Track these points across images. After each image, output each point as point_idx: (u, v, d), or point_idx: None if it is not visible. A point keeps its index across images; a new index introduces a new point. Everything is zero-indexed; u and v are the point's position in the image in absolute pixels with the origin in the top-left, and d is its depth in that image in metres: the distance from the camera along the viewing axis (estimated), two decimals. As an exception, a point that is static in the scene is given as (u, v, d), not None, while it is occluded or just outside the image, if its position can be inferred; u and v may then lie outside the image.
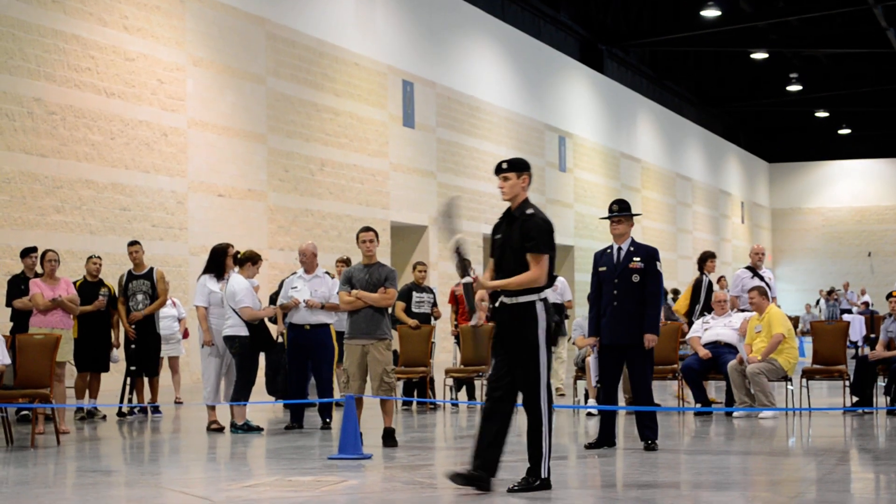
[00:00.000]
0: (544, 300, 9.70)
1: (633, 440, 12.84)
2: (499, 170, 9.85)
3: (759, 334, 16.13)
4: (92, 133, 21.26)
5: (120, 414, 17.11)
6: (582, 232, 41.78)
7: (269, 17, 26.03)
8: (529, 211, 9.76)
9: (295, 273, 15.58)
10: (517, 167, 9.83)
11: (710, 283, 18.39)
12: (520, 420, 9.84)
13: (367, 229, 13.43)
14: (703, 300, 18.09)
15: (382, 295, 13.12)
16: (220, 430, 14.89)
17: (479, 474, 9.50)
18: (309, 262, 15.33)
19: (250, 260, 15.22)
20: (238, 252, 15.48)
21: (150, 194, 22.56)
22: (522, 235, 9.67)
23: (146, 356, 17.15)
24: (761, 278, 18.25)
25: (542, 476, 9.61)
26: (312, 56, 27.44)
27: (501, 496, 9.44)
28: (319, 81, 27.64)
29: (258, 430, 14.79)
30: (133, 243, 17.53)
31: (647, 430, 12.52)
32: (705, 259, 18.67)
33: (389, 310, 13.66)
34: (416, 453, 12.55)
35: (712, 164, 58.83)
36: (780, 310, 16.64)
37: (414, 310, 18.00)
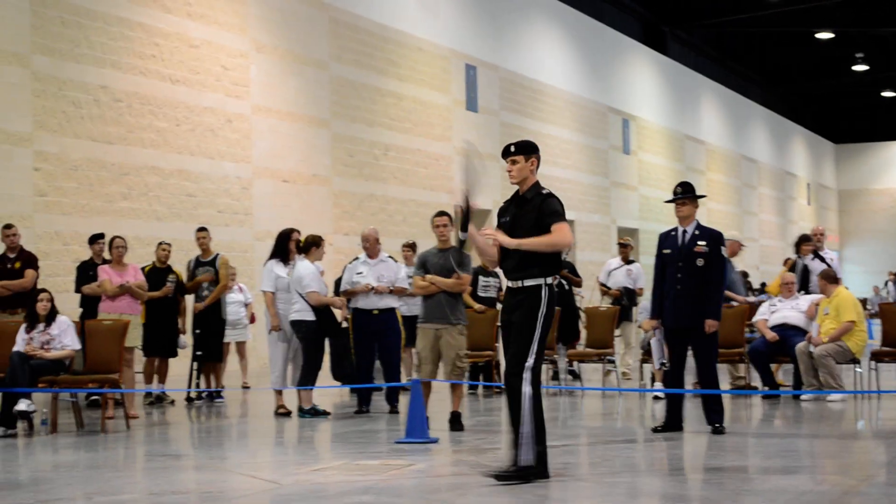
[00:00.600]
0: (550, 286, 9.45)
1: (700, 423, 12.77)
2: (506, 153, 9.59)
3: (828, 316, 16.00)
4: (157, 120, 21.41)
5: (188, 399, 17.23)
6: (646, 215, 41.61)
7: (331, 2, 26.09)
8: (545, 191, 9.54)
9: (357, 258, 15.60)
10: (525, 150, 9.58)
11: (805, 266, 18.09)
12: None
13: (441, 214, 13.40)
14: (798, 282, 17.83)
15: (456, 280, 13.09)
16: (288, 414, 14.96)
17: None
18: (372, 247, 15.36)
19: (314, 244, 15.21)
20: (300, 240, 15.45)
21: (215, 180, 22.70)
22: (541, 213, 9.42)
23: (211, 341, 17.24)
24: (822, 259, 18.08)
25: (521, 464, 9.17)
26: (375, 41, 27.47)
27: (561, 480, 9.43)
28: (383, 66, 27.68)
29: (325, 414, 14.85)
30: (201, 230, 17.60)
31: (714, 414, 12.44)
32: (801, 242, 18.43)
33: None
34: (483, 437, 12.55)
35: (777, 145, 58.40)
36: (849, 293, 16.45)
37: (480, 294, 17.96)
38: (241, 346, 19.61)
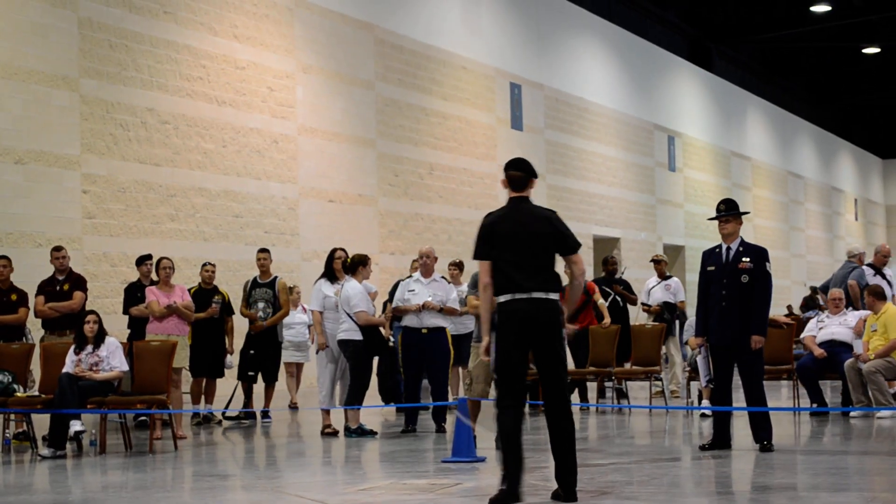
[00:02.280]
0: (499, 304, 9.46)
1: (748, 441, 12.72)
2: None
3: (876, 333, 15.90)
4: (204, 141, 21.54)
5: (226, 417, 17.27)
6: (692, 232, 41.48)
7: (376, 22, 26.19)
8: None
9: (410, 276, 15.62)
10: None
11: None
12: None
13: None
14: None
15: None
16: (335, 434, 14.99)
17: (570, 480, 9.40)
18: (431, 265, 15.34)
19: (361, 263, 15.20)
20: (345, 259, 15.43)
21: (261, 201, 22.80)
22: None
23: (265, 363, 17.27)
24: (884, 276, 17.96)
25: (502, 485, 9.14)
26: (420, 60, 27.55)
27: (609, 498, 9.41)
28: (427, 85, 27.75)
29: (372, 433, 14.86)
30: (262, 251, 17.60)
31: (762, 431, 12.38)
32: None
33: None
34: (529, 455, 12.44)
35: (824, 161, 58.11)
36: (897, 309, 16.31)
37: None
38: (298, 367, 19.61)
